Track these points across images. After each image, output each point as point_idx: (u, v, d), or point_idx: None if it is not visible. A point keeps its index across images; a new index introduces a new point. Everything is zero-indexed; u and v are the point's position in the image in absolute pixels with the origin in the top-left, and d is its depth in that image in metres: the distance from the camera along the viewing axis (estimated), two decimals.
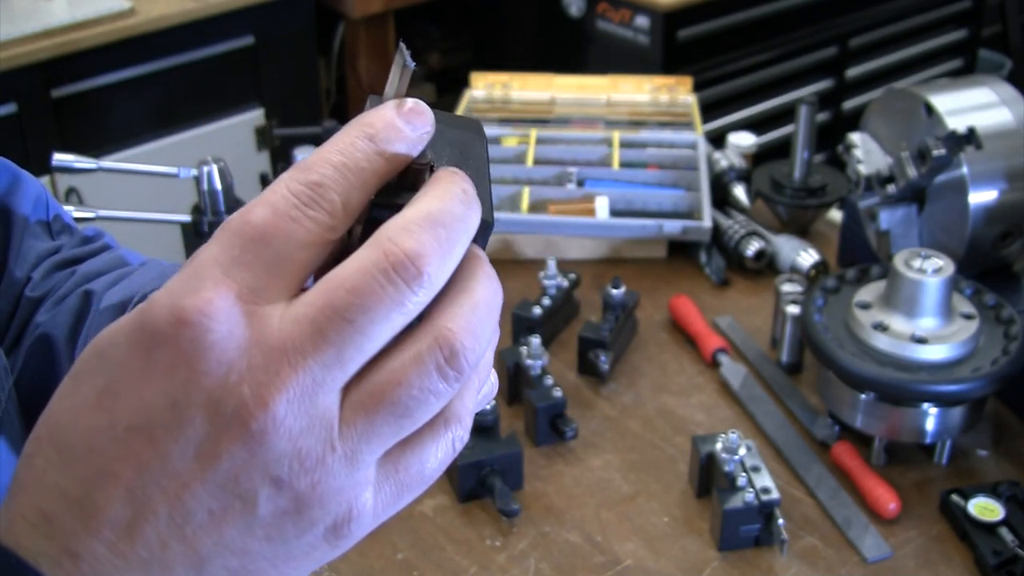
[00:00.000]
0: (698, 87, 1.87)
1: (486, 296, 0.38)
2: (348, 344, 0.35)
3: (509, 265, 1.48)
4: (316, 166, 0.37)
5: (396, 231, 0.36)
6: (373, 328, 0.35)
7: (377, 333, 0.35)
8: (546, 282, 1.34)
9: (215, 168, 1.35)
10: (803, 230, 1.55)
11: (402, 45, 0.41)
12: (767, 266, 1.48)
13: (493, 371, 0.41)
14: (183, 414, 0.34)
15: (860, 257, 1.38)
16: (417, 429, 0.37)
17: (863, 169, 1.36)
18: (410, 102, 0.40)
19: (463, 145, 0.43)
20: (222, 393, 0.34)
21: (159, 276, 0.63)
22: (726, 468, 1.07)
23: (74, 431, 0.35)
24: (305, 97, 2.76)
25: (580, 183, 1.57)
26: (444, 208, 0.37)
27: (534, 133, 1.67)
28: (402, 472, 0.37)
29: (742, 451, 1.08)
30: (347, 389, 0.36)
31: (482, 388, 0.40)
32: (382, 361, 0.36)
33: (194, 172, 1.36)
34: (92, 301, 0.65)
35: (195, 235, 1.38)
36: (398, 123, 0.39)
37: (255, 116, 2.63)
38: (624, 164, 1.61)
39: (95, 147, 2.34)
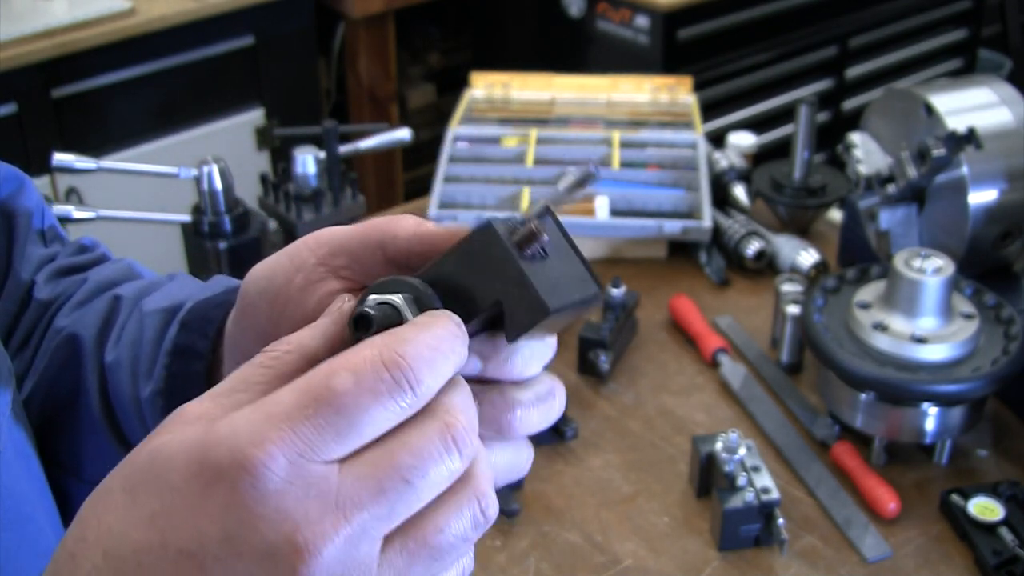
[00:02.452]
0: (698, 87, 1.87)
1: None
2: (402, 502, 0.39)
3: None
4: (412, 343, 0.40)
5: (456, 406, 0.41)
6: (429, 491, 0.39)
7: (431, 494, 0.40)
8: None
9: (215, 168, 1.35)
10: (803, 230, 1.55)
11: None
12: (767, 266, 1.48)
13: None
14: (235, 549, 0.37)
15: (860, 257, 1.38)
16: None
17: (863, 169, 1.36)
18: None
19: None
20: (276, 538, 0.37)
21: (207, 287, 0.64)
22: (726, 468, 1.07)
23: (125, 544, 0.38)
24: (305, 97, 2.76)
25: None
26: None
27: (534, 133, 1.67)
28: None
29: (742, 451, 1.08)
30: (389, 534, 0.39)
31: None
32: (428, 511, 0.40)
33: (194, 172, 1.36)
34: (121, 305, 0.65)
35: (195, 235, 1.38)
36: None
37: (255, 116, 2.63)
38: (624, 164, 1.61)
39: (95, 147, 2.33)
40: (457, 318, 0.43)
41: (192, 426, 0.40)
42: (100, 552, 0.38)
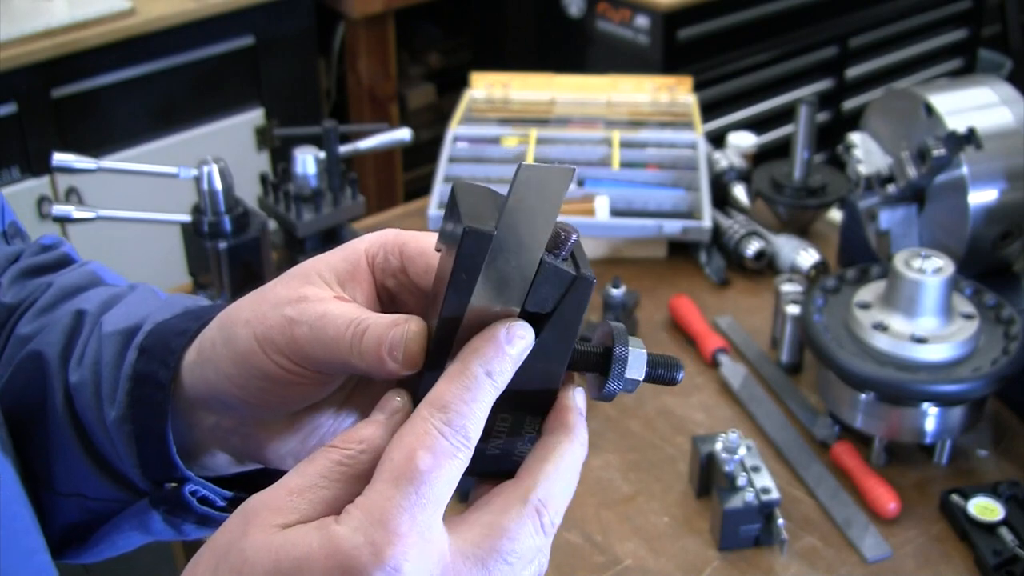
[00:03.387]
0: (698, 87, 1.87)
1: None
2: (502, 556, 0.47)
3: None
4: (453, 406, 0.47)
5: (546, 490, 0.49)
6: (524, 569, 0.48)
7: (517, 572, 0.48)
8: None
9: (215, 168, 1.35)
10: (803, 230, 1.55)
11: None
12: (767, 266, 1.48)
13: None
14: None
15: (860, 257, 1.38)
16: None
17: (863, 169, 1.36)
18: (516, 326, 0.49)
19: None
20: None
21: (166, 305, 0.64)
22: (726, 468, 1.07)
23: None
24: (305, 97, 2.76)
25: (580, 183, 1.57)
26: (571, 464, 0.51)
27: (534, 133, 1.67)
28: None
29: (742, 451, 1.08)
30: None
31: None
32: None
33: (194, 172, 1.36)
34: (85, 320, 0.65)
35: (195, 235, 1.38)
36: (506, 349, 0.49)
37: (255, 116, 2.63)
38: (624, 164, 1.61)
39: (95, 147, 2.33)
40: (497, 344, 0.49)
41: (296, 523, 0.46)
42: None
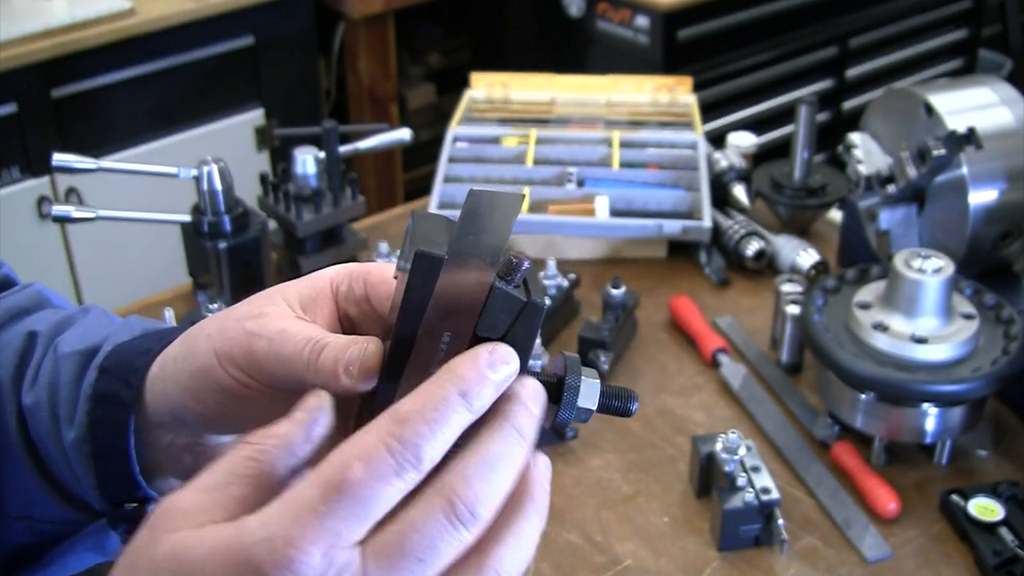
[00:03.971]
0: (698, 87, 1.87)
1: (531, 533, 0.48)
2: (412, 568, 0.43)
3: None
4: (411, 422, 0.44)
5: (462, 477, 0.44)
6: (441, 562, 0.44)
7: (443, 564, 0.44)
8: (546, 282, 1.34)
9: (215, 168, 1.35)
10: (803, 230, 1.55)
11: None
12: (767, 266, 1.48)
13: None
14: None
15: (860, 257, 1.38)
16: None
17: (863, 169, 1.36)
18: (500, 350, 0.47)
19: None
20: None
21: (124, 327, 0.64)
22: (726, 468, 1.07)
23: None
24: (305, 97, 2.76)
25: (580, 183, 1.57)
26: (501, 455, 0.45)
27: (534, 133, 1.67)
28: None
29: (742, 451, 1.08)
30: None
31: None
32: None
33: (194, 172, 1.36)
34: (37, 342, 0.65)
35: (195, 235, 1.38)
36: (487, 374, 0.46)
37: (255, 116, 2.63)
38: (624, 164, 1.61)
39: (95, 147, 2.34)
40: (477, 364, 0.46)
41: (204, 524, 0.44)
42: None
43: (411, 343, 0.49)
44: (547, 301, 0.50)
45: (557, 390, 0.52)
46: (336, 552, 0.42)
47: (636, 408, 0.53)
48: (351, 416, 0.51)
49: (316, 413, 0.47)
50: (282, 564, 0.41)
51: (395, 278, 0.53)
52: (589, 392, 0.52)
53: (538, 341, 1.22)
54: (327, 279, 0.56)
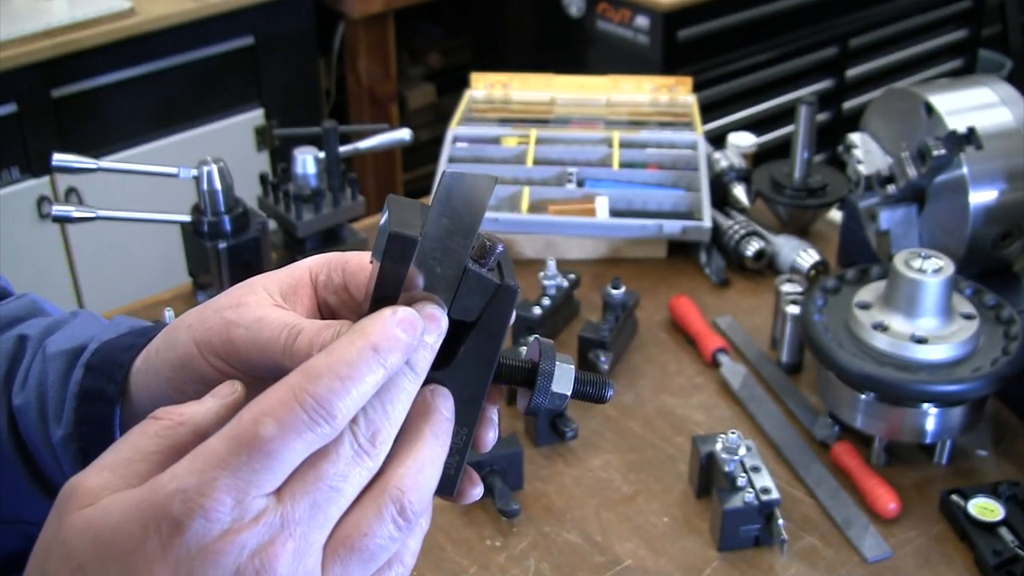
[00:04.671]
0: (698, 87, 1.87)
1: (431, 455, 0.48)
2: (334, 506, 0.45)
3: None
4: (324, 377, 0.44)
5: (368, 417, 0.46)
6: (353, 491, 0.45)
7: (354, 494, 0.45)
8: (546, 282, 1.34)
9: (215, 168, 1.35)
10: (803, 230, 1.55)
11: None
12: (767, 266, 1.48)
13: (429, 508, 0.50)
14: None
15: (860, 257, 1.38)
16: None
17: (863, 169, 1.36)
18: (401, 311, 0.47)
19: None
20: (238, 567, 0.42)
21: (110, 327, 0.65)
22: (726, 468, 1.07)
23: None
24: (305, 97, 2.76)
25: (580, 183, 1.57)
26: (394, 387, 0.47)
27: (534, 133, 1.67)
28: None
29: (742, 451, 1.08)
30: (325, 544, 0.45)
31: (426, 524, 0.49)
32: (350, 518, 0.45)
33: (194, 172, 1.36)
34: (27, 345, 0.66)
35: (195, 235, 1.38)
36: (396, 332, 0.46)
37: (255, 116, 2.63)
38: (624, 164, 1.61)
39: (95, 147, 2.34)
40: (384, 322, 0.47)
41: (110, 496, 0.44)
42: None
43: None
44: (518, 284, 0.50)
45: (531, 375, 0.52)
46: (250, 500, 0.43)
47: (611, 395, 0.54)
48: None
49: (228, 399, 0.49)
50: (196, 512, 0.42)
51: (371, 264, 0.54)
52: (563, 377, 0.52)
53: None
54: (306, 268, 0.56)
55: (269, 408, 0.44)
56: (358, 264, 0.56)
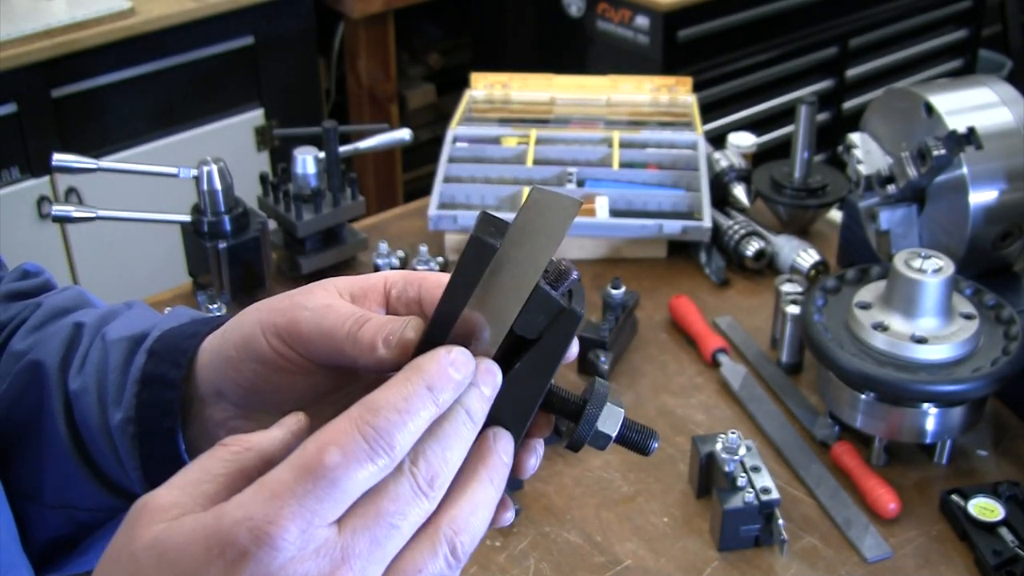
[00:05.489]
0: (698, 87, 1.87)
1: (485, 497, 0.50)
2: (392, 543, 0.46)
3: None
4: (384, 411, 0.46)
5: (425, 456, 0.47)
6: (411, 529, 0.47)
7: (404, 537, 0.47)
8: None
9: (215, 168, 1.35)
10: (803, 230, 1.55)
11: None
12: (767, 266, 1.48)
13: None
14: None
15: (860, 257, 1.38)
16: None
17: (863, 169, 1.36)
18: (455, 352, 0.49)
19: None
20: None
21: (171, 316, 0.66)
22: (726, 468, 1.07)
23: None
24: (305, 97, 2.76)
25: (580, 183, 1.57)
26: (452, 433, 0.49)
27: (534, 133, 1.67)
28: None
29: (742, 451, 1.08)
30: None
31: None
32: (405, 554, 0.47)
33: (194, 172, 1.36)
34: (83, 332, 0.67)
35: (195, 235, 1.38)
36: (449, 371, 0.48)
37: (255, 116, 2.63)
38: (624, 164, 1.61)
39: (95, 147, 2.34)
40: (438, 362, 0.48)
41: (180, 516, 0.45)
42: None
43: (449, 326, 0.50)
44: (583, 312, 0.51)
45: (580, 409, 0.53)
46: (314, 530, 0.44)
47: (655, 447, 0.55)
48: None
49: (293, 427, 0.50)
50: (262, 541, 0.43)
51: None
52: (611, 418, 0.53)
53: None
54: (382, 277, 0.58)
55: (332, 438, 0.45)
56: (436, 282, 0.57)
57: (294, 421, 0.50)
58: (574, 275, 0.51)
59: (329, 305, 0.55)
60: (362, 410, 0.46)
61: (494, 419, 0.51)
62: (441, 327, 0.50)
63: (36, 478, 0.66)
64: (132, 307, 0.70)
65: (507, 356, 0.51)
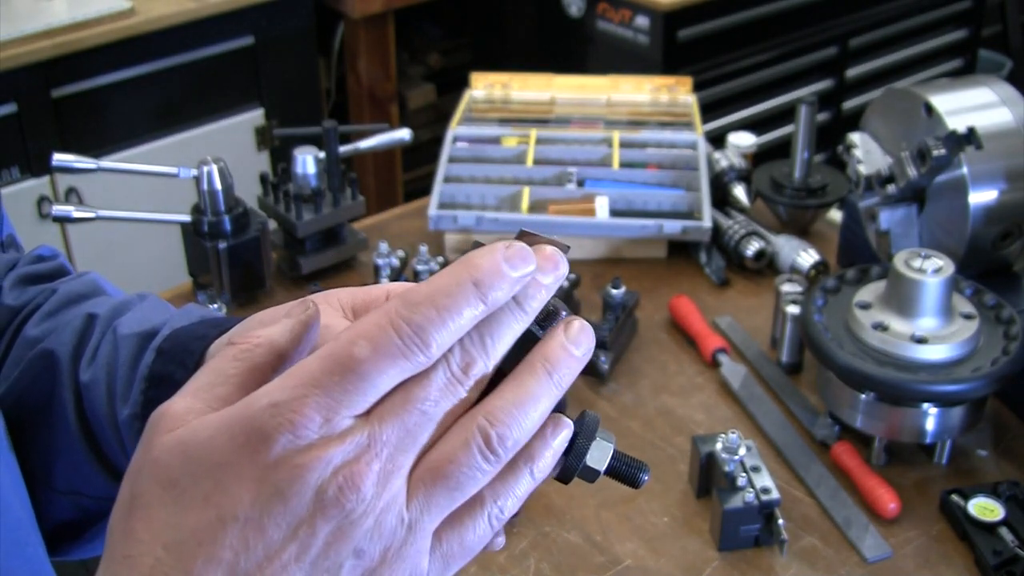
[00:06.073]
0: (698, 87, 1.87)
1: (536, 391, 0.45)
2: (423, 431, 0.43)
3: None
4: (422, 305, 0.43)
5: (464, 348, 0.44)
6: (443, 418, 0.44)
7: (436, 425, 0.44)
8: None
9: (215, 168, 1.35)
10: (803, 230, 1.55)
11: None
12: (767, 266, 1.48)
13: (552, 450, 0.47)
14: (288, 503, 0.41)
15: (860, 257, 1.38)
16: (459, 507, 0.44)
17: (863, 169, 1.36)
18: (516, 246, 0.45)
19: None
20: (322, 483, 0.42)
21: (183, 314, 0.66)
22: (726, 468, 1.07)
23: (183, 530, 0.42)
24: (305, 97, 2.76)
25: (580, 183, 1.57)
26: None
27: (534, 133, 1.67)
28: (445, 544, 0.45)
29: (742, 451, 1.08)
30: (412, 470, 0.44)
31: (536, 468, 0.46)
32: (437, 445, 0.44)
33: (194, 172, 1.36)
34: (95, 323, 0.67)
35: (195, 235, 1.38)
36: (503, 267, 0.44)
37: (255, 116, 2.63)
38: (624, 164, 1.61)
39: (95, 147, 2.34)
40: (494, 255, 0.44)
41: (197, 418, 0.44)
42: (160, 546, 0.42)
43: None
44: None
45: (572, 442, 0.51)
46: (338, 419, 0.42)
47: (645, 480, 0.53)
48: None
49: (302, 316, 0.48)
50: (284, 426, 0.42)
51: None
52: (599, 453, 0.52)
53: None
54: (384, 291, 0.56)
55: (365, 331, 0.43)
56: None
57: (301, 309, 0.48)
58: (563, 315, 0.49)
59: (327, 326, 0.52)
60: (399, 304, 0.43)
61: None
62: None
63: (47, 463, 0.66)
64: (145, 299, 0.70)
65: (516, 351, 0.49)
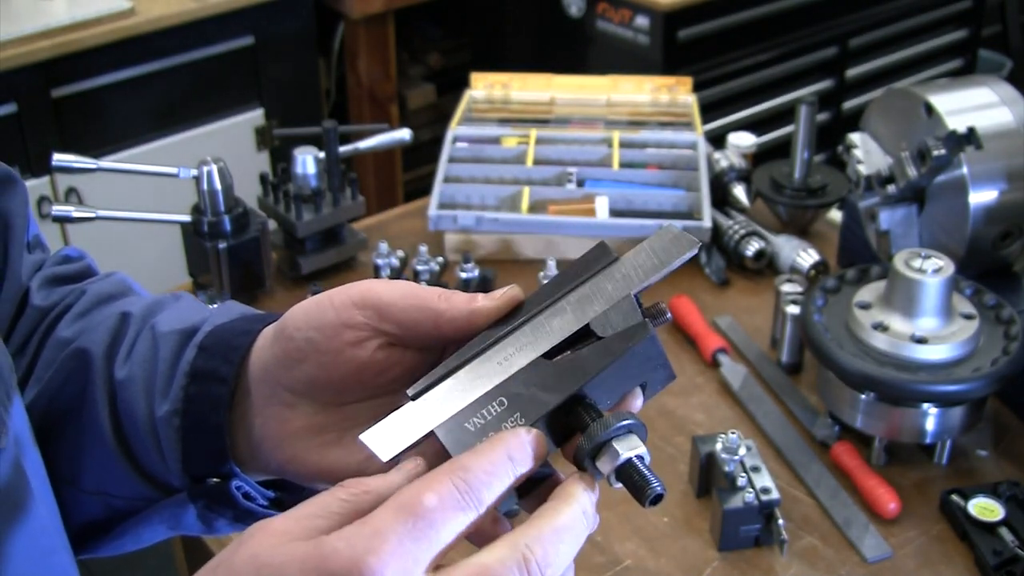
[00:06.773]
0: (698, 87, 1.87)
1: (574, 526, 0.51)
2: None
3: (509, 265, 1.48)
4: (474, 473, 0.49)
5: (533, 540, 0.49)
6: None
7: None
8: (545, 282, 1.34)
9: (215, 168, 1.35)
10: (803, 230, 1.55)
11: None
12: (767, 266, 1.48)
13: None
14: None
15: (860, 257, 1.38)
16: None
17: (863, 169, 1.36)
18: (534, 433, 0.53)
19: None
20: None
21: (223, 310, 0.67)
22: (726, 468, 1.07)
23: None
24: (305, 97, 2.76)
25: (580, 183, 1.57)
26: (567, 526, 0.51)
27: (534, 133, 1.67)
28: None
29: (742, 451, 1.08)
30: None
31: None
32: None
33: (194, 172, 1.36)
34: (130, 322, 0.68)
35: (195, 235, 1.38)
36: (529, 450, 0.52)
37: (255, 116, 2.63)
38: (624, 164, 1.61)
39: (95, 147, 2.33)
40: (520, 439, 0.52)
41: (287, 541, 0.46)
42: None
43: (542, 302, 0.56)
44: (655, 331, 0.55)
45: (597, 427, 0.55)
46: (411, 571, 0.45)
47: (653, 496, 0.56)
48: None
49: (412, 473, 0.52)
50: (361, 572, 0.44)
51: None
52: (610, 456, 0.55)
53: None
54: (435, 293, 0.59)
55: (429, 485, 0.48)
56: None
57: (413, 466, 0.52)
58: (668, 316, 0.56)
59: (410, 283, 0.58)
60: (453, 467, 0.49)
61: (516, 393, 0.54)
62: (535, 300, 0.57)
63: (75, 464, 0.67)
64: (180, 299, 0.71)
65: (568, 341, 0.55)
